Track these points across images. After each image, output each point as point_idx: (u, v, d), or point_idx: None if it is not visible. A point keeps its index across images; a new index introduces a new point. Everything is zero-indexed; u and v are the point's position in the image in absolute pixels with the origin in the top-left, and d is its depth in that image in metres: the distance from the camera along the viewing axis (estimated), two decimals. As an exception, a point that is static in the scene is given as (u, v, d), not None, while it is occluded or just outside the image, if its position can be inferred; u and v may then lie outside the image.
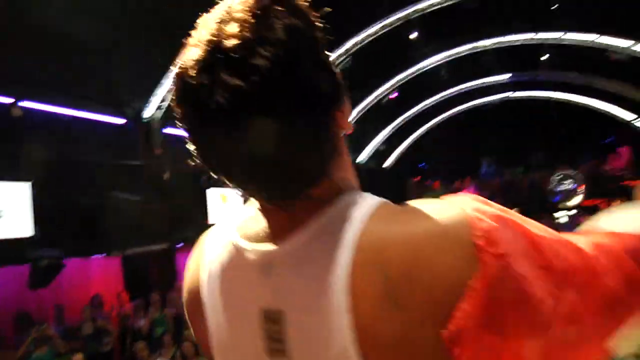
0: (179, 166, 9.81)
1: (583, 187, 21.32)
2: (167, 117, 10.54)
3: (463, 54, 17.88)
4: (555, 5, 15.57)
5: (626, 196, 20.15)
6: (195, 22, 0.72)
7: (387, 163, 24.39)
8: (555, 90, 21.23)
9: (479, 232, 0.67)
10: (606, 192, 22.33)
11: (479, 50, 17.67)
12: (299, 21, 0.69)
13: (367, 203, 0.76)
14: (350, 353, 0.67)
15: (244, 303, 0.78)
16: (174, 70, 0.71)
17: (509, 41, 17.17)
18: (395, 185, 24.27)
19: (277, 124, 0.66)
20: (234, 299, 0.80)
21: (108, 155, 9.73)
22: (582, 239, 0.76)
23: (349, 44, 14.88)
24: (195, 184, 9.70)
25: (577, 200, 21.02)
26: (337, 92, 0.77)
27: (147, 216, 9.00)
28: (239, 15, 0.67)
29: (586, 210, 20.28)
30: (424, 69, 18.20)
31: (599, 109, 21.78)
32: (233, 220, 0.86)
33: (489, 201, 0.76)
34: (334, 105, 0.76)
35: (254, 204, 0.85)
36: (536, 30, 16.68)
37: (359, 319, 0.67)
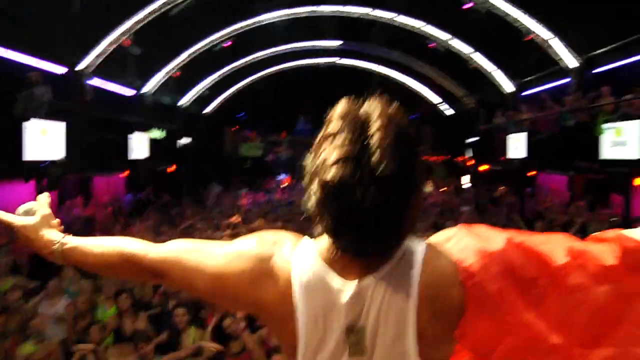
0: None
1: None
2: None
3: (301, 15, 18.55)
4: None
5: (427, 168, 23.54)
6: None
7: (208, 109, 24.41)
8: (378, 63, 23.28)
9: (462, 273, 1.10)
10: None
11: (317, 14, 18.50)
12: (414, 150, 1.11)
13: (419, 250, 1.15)
14: (412, 355, 1.10)
15: (331, 320, 1.13)
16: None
17: (346, 12, 18.30)
18: (213, 132, 24.53)
19: (400, 215, 1.08)
20: (323, 313, 1.14)
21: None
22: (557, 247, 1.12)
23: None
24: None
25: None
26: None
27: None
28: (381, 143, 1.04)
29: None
30: (262, 23, 18.46)
31: (412, 88, 24.61)
32: (313, 247, 1.20)
33: (481, 232, 1.18)
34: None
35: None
36: (373, 6, 18.07)
37: (420, 333, 1.10)
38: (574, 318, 1.06)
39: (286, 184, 22.37)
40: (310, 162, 1.13)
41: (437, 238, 1.21)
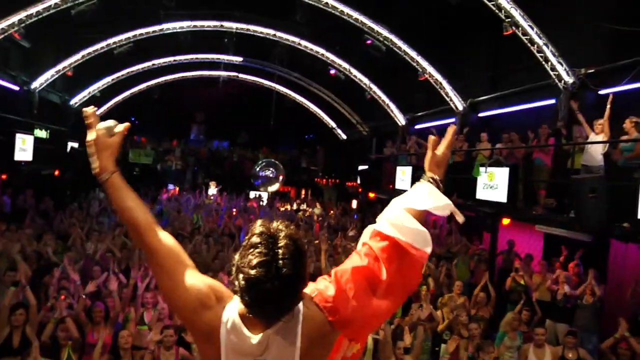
0: None
1: (281, 176, 24.89)
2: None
3: (206, 29, 18.71)
4: (299, 15, 17.81)
5: (315, 191, 24.25)
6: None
7: (100, 110, 23.59)
8: (278, 82, 23.88)
9: (328, 314, 1.69)
10: (299, 182, 26.57)
11: (221, 30, 18.75)
12: (304, 258, 1.65)
13: (300, 309, 1.69)
14: None
15: (245, 355, 1.67)
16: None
17: (252, 30, 18.73)
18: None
19: (293, 298, 1.64)
20: (240, 352, 1.67)
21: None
22: (364, 256, 1.79)
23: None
24: None
25: (275, 187, 24.45)
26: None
27: None
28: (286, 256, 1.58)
29: (280, 195, 23.89)
30: (165, 31, 18.36)
31: (310, 108, 25.46)
32: (236, 308, 1.70)
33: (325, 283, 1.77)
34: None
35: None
36: (276, 29, 18.67)
37: (301, 358, 1.65)
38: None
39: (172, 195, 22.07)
40: (237, 260, 1.64)
41: (309, 290, 1.76)
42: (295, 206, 20.66)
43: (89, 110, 1.91)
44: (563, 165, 9.86)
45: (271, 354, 1.66)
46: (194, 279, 1.79)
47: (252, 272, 1.56)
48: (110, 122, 1.90)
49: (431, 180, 1.98)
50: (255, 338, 1.66)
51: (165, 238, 1.86)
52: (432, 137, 2.04)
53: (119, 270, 8.42)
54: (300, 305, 1.70)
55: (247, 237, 1.67)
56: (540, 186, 10.09)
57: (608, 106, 8.56)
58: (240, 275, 1.60)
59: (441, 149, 2.04)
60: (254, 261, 1.57)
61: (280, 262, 1.57)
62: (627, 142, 8.17)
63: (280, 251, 1.59)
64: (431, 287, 8.75)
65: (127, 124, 1.93)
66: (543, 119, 10.98)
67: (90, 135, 1.87)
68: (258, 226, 1.67)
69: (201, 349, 1.80)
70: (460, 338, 6.96)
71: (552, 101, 11.95)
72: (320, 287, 1.75)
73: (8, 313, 5.78)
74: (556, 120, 11.24)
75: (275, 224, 1.68)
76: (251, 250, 1.61)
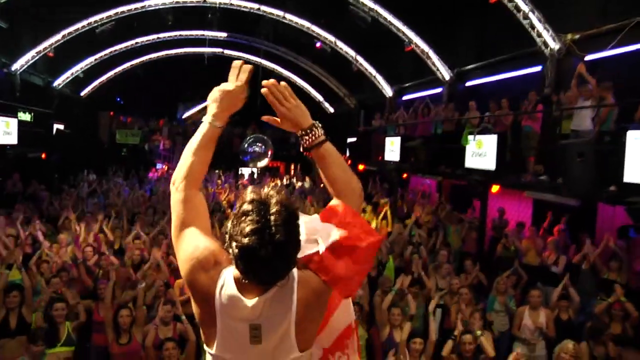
0: None
1: (270, 151, 24.81)
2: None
3: (189, 4, 18.45)
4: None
5: (305, 165, 24.27)
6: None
7: (84, 91, 23.36)
8: (264, 57, 23.64)
9: (322, 274, 1.75)
10: (288, 157, 26.54)
11: (204, 5, 18.49)
12: (296, 223, 1.68)
13: (294, 273, 1.73)
14: (291, 337, 1.72)
15: (240, 319, 1.70)
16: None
17: (235, 4, 18.47)
18: (89, 115, 23.54)
19: (287, 264, 1.67)
20: (235, 317, 1.70)
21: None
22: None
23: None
24: None
25: (264, 162, 24.24)
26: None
27: None
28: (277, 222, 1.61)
29: (270, 171, 23.89)
30: (147, 8, 18.07)
31: (296, 83, 25.26)
32: (231, 276, 1.73)
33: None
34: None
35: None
36: (260, 2, 18.43)
37: (297, 323, 1.71)
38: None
39: (161, 174, 22.01)
40: (229, 228, 1.67)
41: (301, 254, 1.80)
42: (285, 181, 20.68)
43: (249, 67, 2.04)
44: (552, 132, 9.92)
45: (266, 318, 1.70)
46: (202, 240, 1.83)
47: (245, 240, 1.59)
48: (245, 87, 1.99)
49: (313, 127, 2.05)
50: (250, 302, 1.69)
51: (201, 199, 1.96)
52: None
53: (112, 251, 8.48)
54: (295, 270, 1.74)
55: (238, 205, 1.70)
56: (529, 153, 10.17)
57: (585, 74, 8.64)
58: (234, 244, 1.62)
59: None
60: (247, 229, 1.59)
61: (273, 228, 1.59)
62: (613, 106, 8.25)
63: (272, 217, 1.61)
64: (423, 256, 8.84)
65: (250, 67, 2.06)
66: (530, 87, 11.00)
67: (232, 86, 1.98)
68: (249, 193, 1.70)
69: (198, 310, 1.83)
70: (453, 304, 7.08)
71: (539, 68, 11.98)
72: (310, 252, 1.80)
73: (2, 296, 5.81)
74: (543, 87, 11.28)
75: (266, 191, 1.69)
76: (243, 218, 1.63)
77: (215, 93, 1.99)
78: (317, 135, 2.01)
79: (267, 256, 1.58)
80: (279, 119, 2.07)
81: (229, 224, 1.69)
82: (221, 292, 1.72)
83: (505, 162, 10.14)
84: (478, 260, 8.79)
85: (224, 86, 1.98)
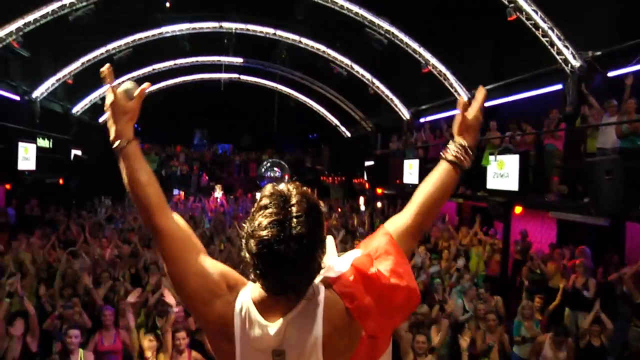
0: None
1: (287, 176, 24.82)
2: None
3: (205, 30, 18.60)
4: (298, 12, 17.70)
5: (322, 190, 24.14)
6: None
7: (102, 118, 23.53)
8: (280, 82, 23.74)
9: (346, 300, 1.55)
10: (304, 181, 26.44)
11: (220, 30, 18.62)
12: (319, 217, 1.52)
13: (321, 291, 1.56)
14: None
15: (262, 345, 1.53)
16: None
17: (251, 30, 18.59)
18: (107, 141, 23.59)
19: (309, 261, 1.49)
20: (256, 343, 1.53)
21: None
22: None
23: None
24: None
25: (281, 187, 24.30)
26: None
27: None
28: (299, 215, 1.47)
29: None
30: (165, 34, 18.27)
31: (312, 107, 25.33)
32: (249, 295, 1.58)
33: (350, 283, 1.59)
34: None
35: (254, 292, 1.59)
36: (276, 27, 18.53)
37: (326, 351, 1.52)
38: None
39: (177, 200, 22.02)
40: (247, 225, 1.51)
41: (325, 274, 1.63)
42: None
43: (105, 69, 1.68)
44: (575, 150, 9.67)
45: (290, 343, 1.52)
46: (205, 266, 1.64)
47: (264, 232, 1.44)
48: (128, 84, 1.71)
49: (460, 146, 1.81)
50: (272, 326, 1.52)
51: (177, 221, 1.70)
52: (462, 99, 1.85)
53: (128, 277, 8.34)
54: (322, 288, 1.58)
55: (256, 202, 1.55)
56: (553, 172, 9.90)
57: (628, 85, 8.40)
58: (252, 241, 1.47)
59: (472, 112, 1.85)
60: (265, 222, 1.45)
61: (294, 220, 1.45)
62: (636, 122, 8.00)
63: (293, 209, 1.46)
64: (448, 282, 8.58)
65: (147, 84, 1.73)
66: (550, 106, 10.79)
67: (108, 98, 1.68)
68: (267, 189, 1.55)
69: (215, 345, 1.65)
70: (477, 329, 6.78)
71: (559, 87, 11.76)
72: (341, 272, 1.61)
73: (5, 325, 5.67)
74: (564, 105, 11.05)
75: (285, 185, 1.56)
76: (261, 211, 1.48)
77: (108, 113, 1.72)
78: (465, 158, 1.82)
79: (288, 250, 1.42)
80: (465, 110, 1.85)
81: (246, 225, 1.52)
82: (240, 317, 1.56)
83: (528, 182, 9.89)
84: (503, 284, 8.50)
85: (107, 101, 1.70)
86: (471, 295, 7.84)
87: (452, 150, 1.82)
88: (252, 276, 1.54)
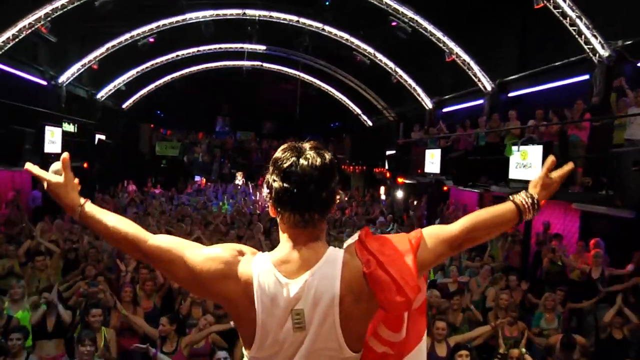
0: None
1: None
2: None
3: (228, 17, 18.61)
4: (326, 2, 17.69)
5: (343, 179, 24.13)
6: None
7: (126, 104, 23.81)
8: (302, 70, 23.69)
9: (365, 266, 1.61)
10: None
11: (243, 17, 18.62)
12: (332, 159, 1.67)
13: (340, 252, 1.66)
14: (337, 327, 1.59)
15: (281, 306, 1.59)
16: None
17: (275, 17, 18.56)
18: (130, 127, 23.96)
19: (324, 189, 1.62)
20: (275, 303, 1.60)
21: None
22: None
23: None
24: None
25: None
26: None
27: None
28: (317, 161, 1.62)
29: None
30: (187, 22, 18.33)
31: (335, 95, 25.24)
32: (267, 258, 1.67)
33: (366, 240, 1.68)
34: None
35: (279, 248, 1.71)
36: (299, 15, 18.46)
37: (342, 312, 1.59)
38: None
39: (198, 186, 22.21)
40: (266, 181, 1.67)
41: (349, 242, 1.75)
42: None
43: (29, 167, 1.84)
44: (600, 142, 9.50)
45: (308, 302, 1.60)
46: (207, 251, 1.73)
47: (285, 164, 1.62)
48: (53, 166, 1.84)
49: (528, 196, 1.85)
50: (292, 283, 1.60)
51: (160, 237, 1.80)
52: (551, 158, 1.93)
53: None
54: (342, 250, 1.68)
55: (272, 160, 1.70)
56: (577, 164, 9.74)
57: None
58: (274, 178, 1.64)
59: (555, 175, 1.90)
60: (285, 163, 1.62)
61: (309, 153, 1.63)
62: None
63: (306, 148, 1.66)
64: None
65: (65, 155, 1.84)
66: (575, 96, 10.59)
67: (45, 186, 1.81)
68: (280, 147, 1.71)
69: (236, 316, 1.72)
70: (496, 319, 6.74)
71: (586, 77, 11.56)
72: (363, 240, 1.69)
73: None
74: (591, 95, 10.86)
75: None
76: (278, 163, 1.65)
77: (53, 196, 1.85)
78: (529, 209, 1.84)
79: (311, 169, 1.59)
80: (549, 169, 1.90)
81: (267, 175, 1.68)
82: (259, 280, 1.63)
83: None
84: (523, 275, 8.43)
85: (45, 188, 1.82)
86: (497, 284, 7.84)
87: (521, 196, 1.84)
88: (279, 216, 1.68)
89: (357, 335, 1.66)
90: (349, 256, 1.65)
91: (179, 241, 1.79)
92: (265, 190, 1.70)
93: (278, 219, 1.71)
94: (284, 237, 1.71)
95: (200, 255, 1.71)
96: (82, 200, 1.82)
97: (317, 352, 1.61)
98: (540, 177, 1.89)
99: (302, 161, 1.61)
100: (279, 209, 1.66)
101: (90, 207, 1.82)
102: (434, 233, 1.77)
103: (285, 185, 1.60)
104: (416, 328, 1.85)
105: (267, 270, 1.63)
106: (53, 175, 1.81)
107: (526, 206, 1.82)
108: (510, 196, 1.87)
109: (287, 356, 1.63)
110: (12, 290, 6.16)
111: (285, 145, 1.69)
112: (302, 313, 1.59)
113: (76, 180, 1.85)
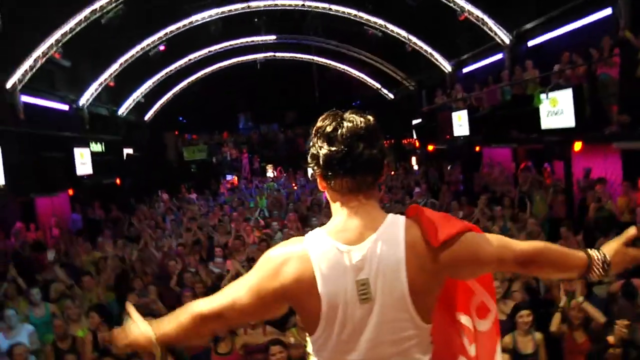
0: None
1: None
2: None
3: (233, 12, 18.56)
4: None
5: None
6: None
7: (147, 115, 24.10)
8: (316, 54, 23.56)
9: (425, 233, 1.57)
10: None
11: (250, 10, 18.55)
12: (374, 121, 1.64)
13: (400, 219, 1.61)
14: (406, 296, 1.53)
15: (344, 274, 1.52)
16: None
17: (279, 5, 18.43)
18: (155, 137, 24.25)
19: (374, 150, 1.59)
20: (337, 272, 1.53)
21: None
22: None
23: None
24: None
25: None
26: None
27: None
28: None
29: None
30: (194, 24, 18.36)
31: (352, 74, 25.03)
32: (322, 231, 1.63)
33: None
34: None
35: (334, 218, 1.66)
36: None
37: (410, 279, 1.52)
38: None
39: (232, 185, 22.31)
40: (313, 148, 1.65)
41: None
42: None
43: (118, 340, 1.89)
44: (632, 76, 9.15)
45: (373, 269, 1.53)
46: (256, 276, 1.66)
47: (329, 129, 1.60)
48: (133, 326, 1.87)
49: (604, 258, 1.75)
50: (354, 250, 1.55)
51: (209, 300, 1.74)
52: (632, 230, 1.80)
53: (196, 262, 8.57)
54: (401, 217, 1.63)
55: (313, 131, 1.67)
56: (611, 102, 9.43)
57: None
58: (319, 145, 1.62)
59: (632, 252, 1.79)
60: (329, 128, 1.60)
61: (355, 120, 1.60)
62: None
63: (351, 116, 1.63)
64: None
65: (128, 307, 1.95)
66: (600, 34, 10.21)
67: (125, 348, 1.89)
68: (320, 118, 1.68)
69: (300, 308, 1.65)
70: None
71: (608, 11, 11.15)
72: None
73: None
74: (617, 30, 10.46)
75: None
76: (321, 130, 1.62)
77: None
78: (597, 270, 1.75)
79: (357, 126, 1.58)
80: (629, 241, 1.79)
81: (310, 140, 1.68)
82: (317, 253, 1.57)
83: (585, 117, 9.47)
84: (572, 226, 8.22)
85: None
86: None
87: (596, 254, 1.75)
88: (329, 184, 1.63)
89: (425, 306, 1.58)
90: (410, 221, 1.61)
91: (227, 288, 1.75)
92: (311, 164, 1.67)
93: (328, 191, 1.67)
94: (336, 207, 1.65)
95: (254, 281, 1.65)
96: (148, 331, 1.79)
97: (387, 324, 1.54)
98: (618, 244, 1.78)
99: (345, 123, 1.59)
100: (329, 175, 1.61)
101: (156, 330, 1.79)
102: (501, 237, 1.72)
103: (333, 148, 1.57)
104: (486, 350, 1.85)
105: (324, 242, 1.58)
106: (140, 335, 1.81)
107: (597, 260, 1.73)
108: (588, 249, 1.78)
109: (355, 330, 1.55)
110: (70, 310, 6.31)
111: (323, 115, 1.66)
112: (367, 282, 1.52)
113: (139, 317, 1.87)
